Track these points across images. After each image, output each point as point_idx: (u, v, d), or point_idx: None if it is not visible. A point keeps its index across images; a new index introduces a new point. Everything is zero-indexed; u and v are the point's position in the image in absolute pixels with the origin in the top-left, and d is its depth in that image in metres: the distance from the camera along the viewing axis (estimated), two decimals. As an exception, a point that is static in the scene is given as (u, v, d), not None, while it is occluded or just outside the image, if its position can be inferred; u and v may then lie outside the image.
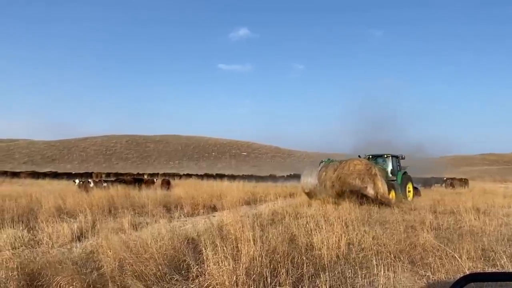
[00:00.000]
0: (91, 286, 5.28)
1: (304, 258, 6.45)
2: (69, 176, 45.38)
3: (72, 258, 6.88)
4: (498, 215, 12.32)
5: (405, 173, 20.15)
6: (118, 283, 5.44)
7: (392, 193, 17.22)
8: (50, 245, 8.35)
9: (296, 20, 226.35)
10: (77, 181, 23.47)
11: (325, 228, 8.39)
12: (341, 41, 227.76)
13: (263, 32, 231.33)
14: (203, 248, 6.33)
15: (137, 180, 26.23)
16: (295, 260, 6.53)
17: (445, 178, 31.58)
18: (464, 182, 31.75)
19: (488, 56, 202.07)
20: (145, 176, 43.14)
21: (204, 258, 6.08)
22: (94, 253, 7.42)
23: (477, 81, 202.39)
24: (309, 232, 8.51)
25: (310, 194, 18.45)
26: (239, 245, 6.55)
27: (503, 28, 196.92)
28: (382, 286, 5.29)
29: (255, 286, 5.10)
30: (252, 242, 6.66)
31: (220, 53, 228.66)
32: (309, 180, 18.51)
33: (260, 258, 6.04)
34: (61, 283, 5.16)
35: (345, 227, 8.57)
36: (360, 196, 15.77)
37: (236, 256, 6.02)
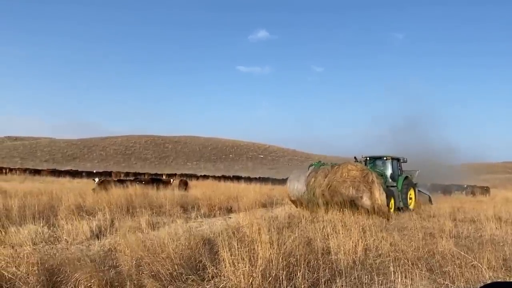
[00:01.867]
0: (109, 284, 5.35)
1: (320, 262, 6.42)
2: (89, 174, 46.10)
3: (90, 255, 6.99)
4: (520, 224, 12.02)
5: (406, 177, 17.85)
6: (135, 282, 5.50)
7: (392, 202, 15.48)
8: (69, 242, 8.50)
9: (314, 22, 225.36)
10: (96, 179, 23.80)
11: (342, 233, 8.33)
12: (361, 42, 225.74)
13: (282, 34, 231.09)
14: (220, 249, 6.35)
15: (155, 180, 26.46)
16: (311, 264, 6.50)
17: (465, 186, 31.02)
18: (485, 190, 31.11)
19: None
20: (163, 177, 43.54)
21: (220, 259, 6.10)
22: (112, 251, 7.53)
23: (502, 87, 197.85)
24: (326, 237, 8.46)
25: (296, 203, 16.31)
26: (255, 247, 6.54)
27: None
28: (399, 293, 5.22)
29: (270, 289, 5.08)
30: (268, 245, 6.65)
31: (239, 55, 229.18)
32: (296, 186, 16.27)
33: (276, 261, 6.02)
34: (79, 280, 5.24)
35: (362, 233, 8.49)
36: (355, 207, 13.79)
37: (252, 258, 6.01)
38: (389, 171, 17.53)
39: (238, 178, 44.31)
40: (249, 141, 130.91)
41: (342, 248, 7.31)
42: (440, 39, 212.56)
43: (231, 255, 5.89)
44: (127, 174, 52.34)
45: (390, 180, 16.97)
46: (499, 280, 5.76)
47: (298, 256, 6.68)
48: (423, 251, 7.52)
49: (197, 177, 49.57)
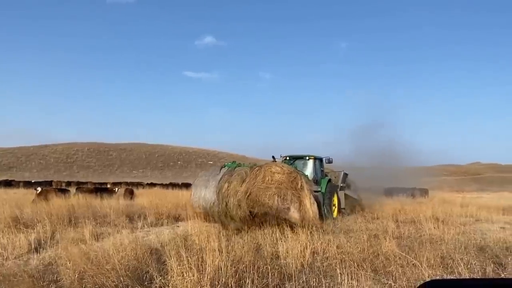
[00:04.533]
0: (49, 299, 5.07)
1: (269, 267, 6.45)
2: (27, 184, 43.66)
3: (28, 270, 6.61)
4: (456, 223, 12.74)
5: (329, 180, 15.63)
6: (78, 296, 5.25)
7: (335, 211, 14.21)
8: (5, 257, 7.97)
9: (261, 29, 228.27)
10: (39, 189, 22.55)
11: (291, 237, 8.44)
12: (307, 50, 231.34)
13: (229, 40, 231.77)
14: (167, 259, 6.22)
15: (99, 189, 25.55)
16: (261, 269, 6.52)
17: (406, 188, 32.42)
18: (424, 192, 32.74)
19: (450, 67, 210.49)
20: (108, 185, 42.13)
21: (168, 269, 5.98)
22: (52, 264, 7.16)
23: (438, 94, 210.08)
24: (275, 242, 8.53)
25: (204, 214, 12.75)
26: (204, 255, 6.48)
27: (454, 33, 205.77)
28: (346, 294, 5.34)
29: (220, 297, 5.04)
30: (217, 252, 6.62)
31: (186, 60, 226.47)
32: (204, 194, 12.68)
33: (225, 268, 5.99)
34: (16, 297, 4.93)
35: (310, 236, 8.63)
36: (280, 221, 10.89)
37: (201, 267, 5.95)
38: (311, 173, 15.19)
39: (187, 186, 43.69)
40: (198, 147, 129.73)
41: (290, 252, 7.40)
42: (381, 47, 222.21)
43: (179, 265, 5.79)
44: (69, 183, 50.16)
45: (314, 184, 14.37)
46: (437, 278, 6.06)
47: (247, 262, 6.69)
48: (368, 253, 7.76)
49: (143, 186, 48.45)
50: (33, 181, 51.08)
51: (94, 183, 48.16)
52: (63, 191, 21.84)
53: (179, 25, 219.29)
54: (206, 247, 6.96)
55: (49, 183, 48.31)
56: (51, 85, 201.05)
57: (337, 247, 8.04)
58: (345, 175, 18.19)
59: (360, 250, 7.83)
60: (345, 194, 17.28)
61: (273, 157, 14.79)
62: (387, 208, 17.38)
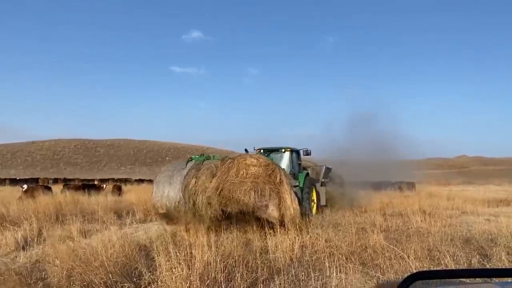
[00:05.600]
0: (36, 297, 5.03)
1: (258, 261, 6.47)
2: (13, 181, 43.14)
3: (15, 268, 6.55)
4: (442, 216, 12.91)
5: (307, 174, 14.61)
6: (66, 293, 5.22)
7: (315, 207, 12.95)
8: (-9, 255, 7.88)
9: (248, 24, 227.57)
10: (25, 186, 22.27)
11: (280, 232, 8.47)
12: (295, 46, 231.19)
13: (216, 35, 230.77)
14: (156, 255, 6.21)
15: (87, 186, 25.34)
16: (250, 264, 6.54)
17: (393, 182, 32.71)
18: (411, 185, 33.07)
19: (438, 62, 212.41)
20: (95, 182, 41.81)
21: (157, 265, 5.97)
22: (40, 262, 7.09)
23: (426, 87, 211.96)
24: (264, 236, 8.56)
25: (168, 216, 10.92)
26: (193, 251, 6.48)
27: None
28: (334, 287, 5.39)
29: (209, 292, 5.05)
30: (206, 247, 6.62)
31: (173, 55, 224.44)
32: (167, 191, 10.77)
33: (214, 263, 6.00)
34: (2, 295, 4.88)
35: (299, 230, 8.68)
36: (257, 220, 9.76)
37: (190, 262, 5.94)
38: (287, 167, 13.99)
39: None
40: (187, 143, 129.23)
41: (279, 246, 7.43)
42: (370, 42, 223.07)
43: (167, 260, 5.78)
44: (55, 180, 49.67)
45: (292, 179, 12.99)
46: (424, 270, 6.14)
47: (236, 257, 6.71)
48: (356, 246, 7.83)
49: (131, 182, 48.21)
50: (18, 178, 50.48)
51: (82, 180, 47.78)
52: (49, 189, 21.62)
53: (166, 20, 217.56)
54: (195, 242, 6.96)
55: (36, 180, 47.79)
56: (37, 81, 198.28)
57: (326, 240, 8.09)
58: (328, 169, 17.48)
59: (348, 244, 7.89)
60: (326, 190, 16.52)
61: (246, 150, 13.32)
62: (375, 202, 17.50)
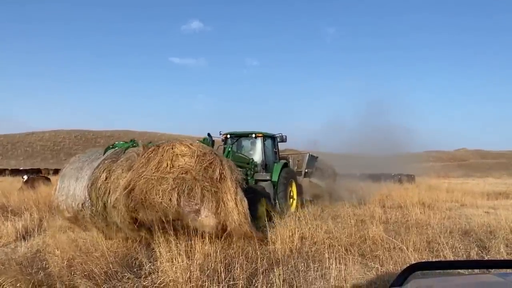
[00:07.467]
0: (37, 286, 5.06)
1: (258, 252, 6.50)
2: (14, 172, 43.19)
3: (16, 258, 6.60)
4: (441, 208, 12.97)
5: (285, 165, 12.60)
6: (66, 283, 5.25)
7: (262, 209, 9.09)
8: (-8, 245, 7.93)
9: (248, 14, 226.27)
10: (25, 177, 22.30)
11: (279, 223, 8.50)
12: (295, 37, 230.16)
13: (216, 26, 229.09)
14: (156, 246, 6.24)
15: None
16: (250, 255, 6.58)
17: (393, 174, 32.77)
18: (411, 177, 33.13)
19: (438, 54, 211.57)
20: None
21: (157, 255, 6.00)
22: (40, 252, 7.13)
23: (424, 81, 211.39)
24: (263, 227, 8.59)
25: (75, 221, 8.38)
26: (193, 242, 6.51)
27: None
28: (334, 278, 5.43)
29: (209, 282, 5.08)
30: (206, 239, 6.65)
31: (172, 45, 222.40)
32: (73, 189, 8.16)
33: (214, 254, 6.03)
34: (3, 284, 4.92)
35: (298, 222, 8.71)
36: (185, 229, 7.04)
37: (190, 253, 5.98)
38: (260, 156, 12.08)
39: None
40: (186, 134, 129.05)
41: (279, 237, 7.46)
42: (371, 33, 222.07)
43: (168, 251, 5.82)
44: (56, 171, 49.66)
45: (262, 170, 11.79)
46: (423, 261, 6.18)
47: (236, 248, 6.75)
48: (356, 237, 7.86)
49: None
50: (21, 168, 50.56)
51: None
52: (47, 180, 21.66)
53: (165, 9, 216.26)
54: (195, 233, 6.97)
55: (37, 170, 47.85)
56: (37, 72, 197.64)
57: (325, 232, 8.12)
58: (312, 157, 15.66)
59: (347, 235, 7.92)
60: (311, 182, 14.84)
61: (208, 134, 10.26)
62: (374, 194, 17.50)
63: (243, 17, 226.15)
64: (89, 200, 7.66)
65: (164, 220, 6.96)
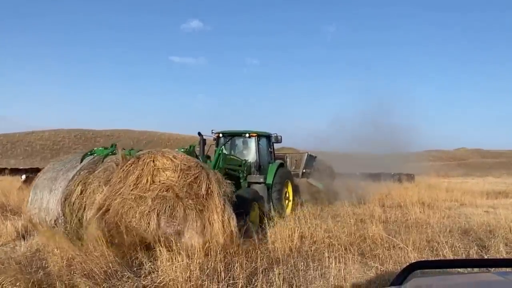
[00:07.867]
0: (36, 286, 5.06)
1: (258, 251, 6.50)
2: (14, 171, 43.14)
3: (15, 257, 6.58)
4: (441, 208, 12.96)
5: (281, 165, 12.04)
6: (66, 282, 5.25)
7: (255, 213, 8.89)
8: (-9, 244, 7.92)
9: (249, 15, 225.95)
10: (23, 176, 22.25)
11: (279, 222, 8.50)
12: (295, 36, 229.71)
13: (216, 25, 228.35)
14: (156, 245, 6.24)
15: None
16: (250, 254, 6.58)
17: (392, 173, 32.75)
18: (411, 177, 33.13)
19: (438, 54, 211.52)
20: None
21: (158, 254, 6.00)
22: (40, 251, 7.12)
23: (425, 80, 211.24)
24: (263, 226, 8.59)
25: (51, 236, 7.19)
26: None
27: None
28: (333, 277, 5.43)
29: (208, 281, 5.09)
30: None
31: (172, 44, 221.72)
32: (46, 201, 7.49)
33: (214, 253, 6.03)
34: (3, 283, 4.91)
35: (297, 221, 8.71)
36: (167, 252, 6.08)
37: (190, 252, 5.98)
38: (253, 156, 11.60)
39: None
40: (186, 134, 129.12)
41: (279, 236, 7.46)
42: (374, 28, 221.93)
43: (168, 250, 5.82)
44: (56, 170, 49.57)
45: (256, 172, 11.30)
46: (422, 260, 6.18)
47: (236, 247, 6.74)
48: (355, 236, 7.86)
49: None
50: (20, 167, 50.54)
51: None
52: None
53: (165, 8, 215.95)
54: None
55: (37, 170, 47.78)
56: (36, 71, 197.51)
57: (325, 231, 8.12)
58: (311, 157, 15.36)
59: (347, 234, 7.93)
60: (309, 183, 14.37)
61: (199, 133, 10.10)
62: (374, 193, 17.46)
63: (243, 16, 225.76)
64: (63, 217, 7.01)
65: (142, 243, 6.49)
